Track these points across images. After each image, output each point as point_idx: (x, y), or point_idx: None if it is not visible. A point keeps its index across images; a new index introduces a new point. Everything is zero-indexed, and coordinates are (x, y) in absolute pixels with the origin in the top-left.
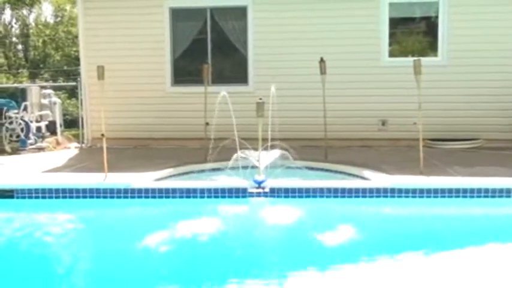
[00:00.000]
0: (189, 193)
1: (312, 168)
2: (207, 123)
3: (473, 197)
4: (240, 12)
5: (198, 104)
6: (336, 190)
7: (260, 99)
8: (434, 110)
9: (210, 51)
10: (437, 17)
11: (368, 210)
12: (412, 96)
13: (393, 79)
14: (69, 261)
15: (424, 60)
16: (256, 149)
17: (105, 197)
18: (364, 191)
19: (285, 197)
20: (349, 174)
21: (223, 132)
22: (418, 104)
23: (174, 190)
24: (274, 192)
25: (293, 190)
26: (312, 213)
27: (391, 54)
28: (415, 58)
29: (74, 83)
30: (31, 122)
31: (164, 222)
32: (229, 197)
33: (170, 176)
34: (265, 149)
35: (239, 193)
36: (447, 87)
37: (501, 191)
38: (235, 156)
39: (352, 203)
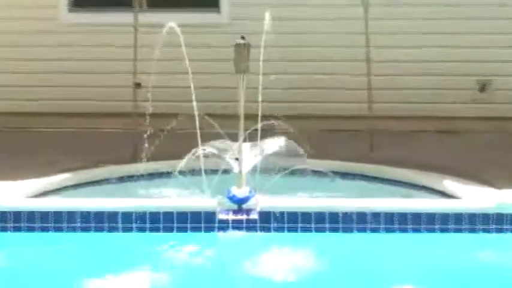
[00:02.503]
0: (100, 221)
1: (344, 174)
2: (137, 85)
3: None
4: None
5: (121, 48)
6: (390, 217)
7: (242, 37)
8: None
9: None
10: None
11: (455, 254)
12: None
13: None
14: None
15: None
16: (234, 136)
17: None
18: (445, 218)
19: (291, 230)
20: (418, 187)
21: (169, 103)
22: None
23: (71, 215)
24: (269, 221)
25: (306, 217)
26: (347, 264)
27: None
28: None
29: None
30: None
31: (45, 276)
32: (180, 230)
33: (65, 188)
34: (252, 135)
35: (199, 222)
36: None
37: None
38: (194, 150)
39: (424, 242)
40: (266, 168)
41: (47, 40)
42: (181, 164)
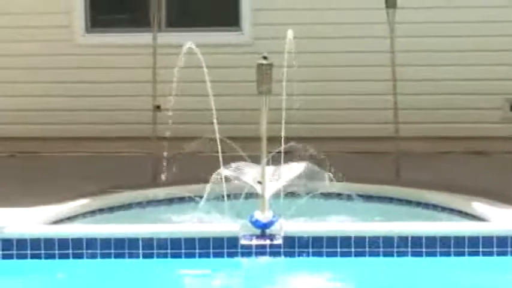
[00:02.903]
0: (120, 248)
1: (370, 197)
2: (157, 107)
3: None
4: None
5: (139, 69)
6: (418, 241)
7: (264, 57)
8: None
9: None
10: None
11: (485, 278)
12: None
13: None
14: None
15: None
16: (256, 159)
17: None
18: (474, 241)
19: (316, 255)
20: (446, 210)
21: (189, 126)
22: None
23: (90, 242)
24: (293, 246)
25: (331, 242)
26: None
27: None
28: None
29: None
30: None
31: None
32: (202, 256)
33: (84, 214)
34: (275, 158)
35: (222, 248)
36: None
37: None
38: (216, 173)
39: (453, 266)
40: (291, 191)
41: (63, 62)
42: (207, 189)
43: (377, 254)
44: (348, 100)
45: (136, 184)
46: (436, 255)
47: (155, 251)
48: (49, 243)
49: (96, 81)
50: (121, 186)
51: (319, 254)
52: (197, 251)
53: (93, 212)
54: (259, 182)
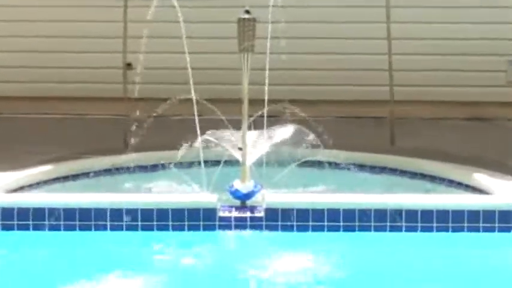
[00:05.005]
0: (86, 219)
1: (363, 166)
2: (128, 65)
3: None
4: None
5: (109, 23)
6: (413, 215)
7: (247, 11)
8: None
9: None
10: None
11: (485, 254)
12: None
13: None
14: None
15: None
16: (237, 123)
17: None
18: (474, 216)
19: (300, 229)
20: (444, 181)
21: (163, 86)
22: None
23: (53, 213)
24: (276, 219)
25: (318, 214)
26: (364, 266)
27: None
28: None
29: None
30: None
31: (24, 280)
32: (175, 229)
33: (46, 182)
34: (258, 122)
35: (198, 220)
36: None
37: None
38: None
39: (451, 242)
40: (275, 159)
41: (25, 15)
42: (179, 154)
43: (368, 229)
44: (338, 60)
45: (106, 149)
46: (432, 231)
47: (124, 223)
48: (7, 212)
49: (63, 35)
50: (88, 151)
51: (304, 228)
52: (170, 223)
53: (57, 179)
54: (240, 148)
